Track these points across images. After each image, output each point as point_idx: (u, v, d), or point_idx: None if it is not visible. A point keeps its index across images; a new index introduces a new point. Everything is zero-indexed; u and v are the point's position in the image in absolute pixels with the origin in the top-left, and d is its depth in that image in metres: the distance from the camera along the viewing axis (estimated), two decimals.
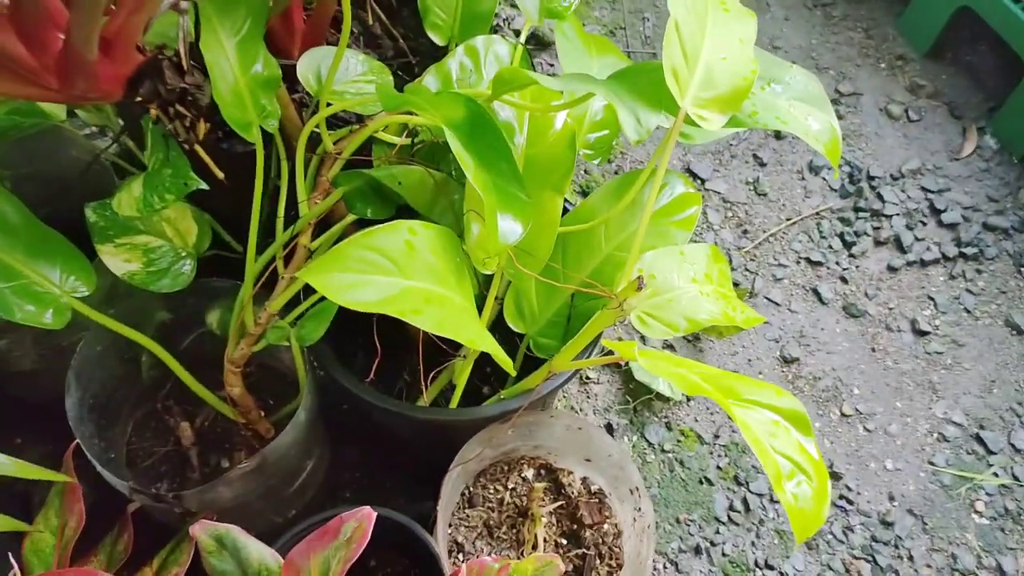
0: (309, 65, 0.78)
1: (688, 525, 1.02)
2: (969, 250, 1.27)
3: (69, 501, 0.64)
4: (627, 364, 1.13)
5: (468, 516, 0.85)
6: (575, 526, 0.85)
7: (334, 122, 0.90)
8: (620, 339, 1.17)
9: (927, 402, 1.15)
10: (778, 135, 1.42)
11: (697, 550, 1.01)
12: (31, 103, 0.76)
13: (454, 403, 0.78)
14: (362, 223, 0.72)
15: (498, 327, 0.84)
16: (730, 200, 1.34)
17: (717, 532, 1.02)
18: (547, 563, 0.62)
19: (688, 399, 1.12)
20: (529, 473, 0.89)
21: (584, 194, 1.30)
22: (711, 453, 1.08)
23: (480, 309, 0.77)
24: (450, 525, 0.84)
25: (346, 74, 0.81)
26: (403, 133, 0.80)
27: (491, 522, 0.85)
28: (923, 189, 1.35)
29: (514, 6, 1.49)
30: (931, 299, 1.24)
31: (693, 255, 0.77)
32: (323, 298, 0.73)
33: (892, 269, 1.27)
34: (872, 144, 1.42)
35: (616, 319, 0.67)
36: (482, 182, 0.59)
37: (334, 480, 1.00)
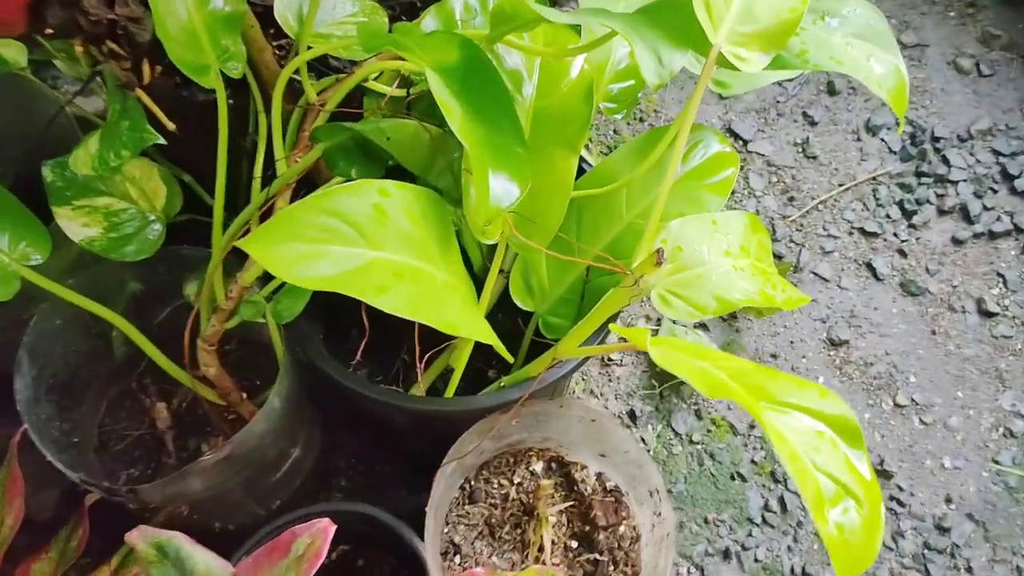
0: (288, 3, 0.70)
1: (717, 526, 0.94)
2: None
3: (10, 494, 0.58)
4: None
5: (468, 513, 0.78)
6: (587, 527, 0.77)
7: (324, 70, 0.82)
8: (648, 317, 1.08)
9: (993, 392, 1.05)
10: (832, 90, 1.30)
11: (726, 554, 0.92)
12: None
13: (450, 391, 0.71)
14: None
15: (505, 303, 0.76)
16: (775, 163, 1.24)
17: (749, 535, 0.94)
18: None
19: None
20: (538, 466, 0.81)
21: None
22: (745, 445, 1.00)
23: (482, 283, 0.69)
24: (447, 523, 0.77)
25: (332, 14, 0.73)
26: (396, 83, 0.72)
27: (493, 520, 0.77)
28: (994, 152, 1.23)
29: None
30: (1000, 276, 1.13)
31: (727, 224, 0.68)
32: None
33: (957, 242, 1.16)
34: (938, 101, 1.29)
35: (632, 298, 0.58)
36: (471, 135, 0.50)
37: (327, 466, 0.93)
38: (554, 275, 0.75)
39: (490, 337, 0.51)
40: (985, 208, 1.18)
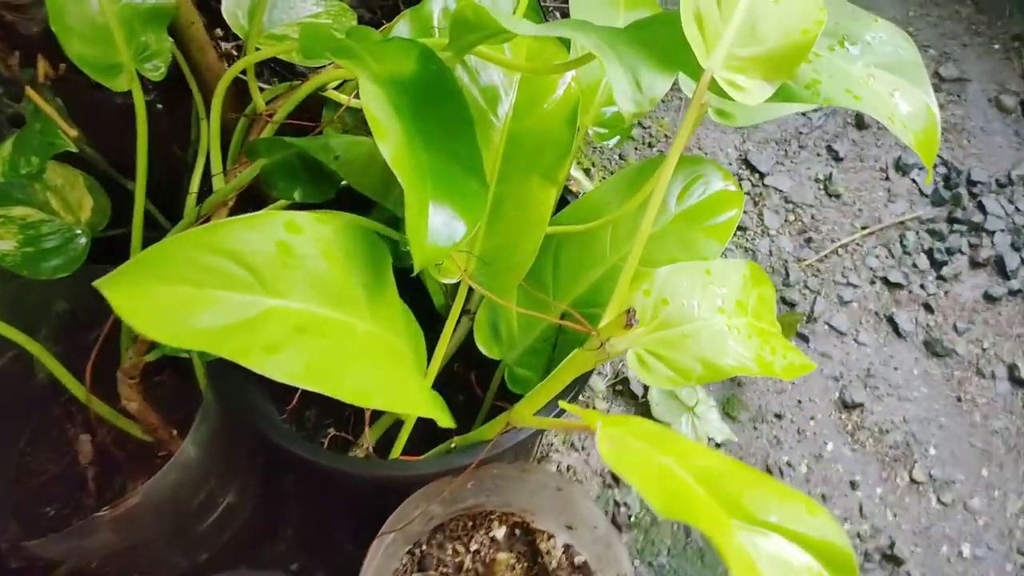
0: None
1: None
2: None
3: None
4: (645, 395, 0.96)
5: None
6: None
7: (289, 77, 0.76)
8: None
9: (1022, 472, 0.95)
10: (860, 123, 1.22)
11: None
12: None
13: (396, 450, 0.63)
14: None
15: (472, 349, 0.68)
16: (794, 200, 1.15)
17: None
18: None
19: (717, 445, 0.95)
20: (500, 532, 0.73)
21: None
22: None
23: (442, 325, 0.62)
24: None
25: (291, 13, 0.66)
26: (355, 93, 0.65)
27: None
28: None
29: None
30: None
31: (724, 274, 0.60)
32: None
33: (991, 299, 1.07)
34: (977, 142, 1.20)
35: (598, 362, 0.50)
36: (407, 161, 0.43)
37: (272, 513, 0.86)
38: (525, 320, 0.67)
39: (420, 406, 0.43)
40: (1023, 262, 1.09)
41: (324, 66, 0.68)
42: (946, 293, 1.08)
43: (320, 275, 0.41)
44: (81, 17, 0.48)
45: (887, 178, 1.18)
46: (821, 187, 1.17)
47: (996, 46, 1.31)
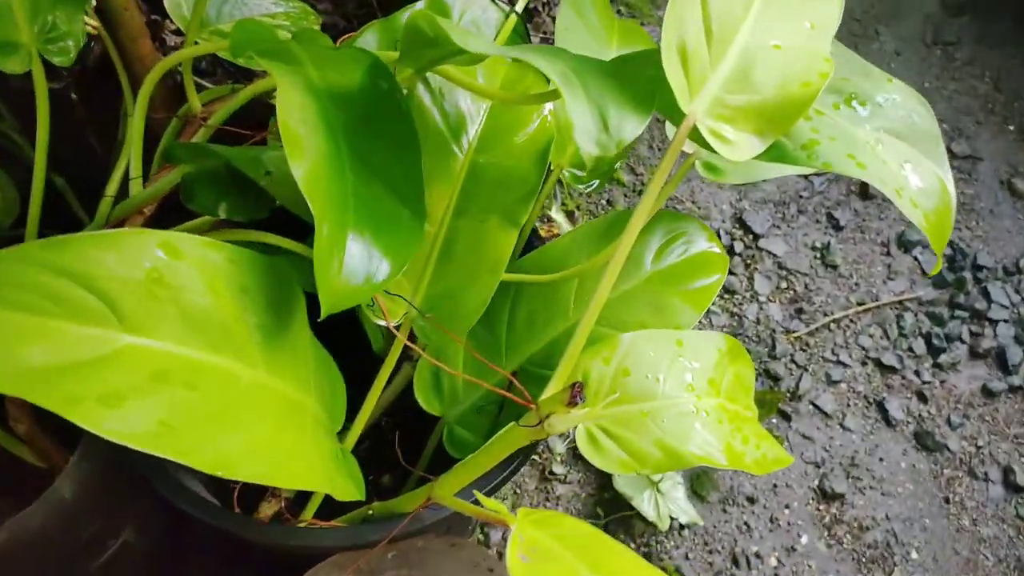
0: None
1: None
2: None
3: None
4: None
5: None
6: None
7: (246, 81, 0.70)
8: None
9: None
10: (864, 193, 1.17)
11: None
12: None
13: (309, 511, 0.56)
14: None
15: (411, 401, 0.61)
16: (788, 267, 1.10)
17: None
18: None
19: (681, 527, 0.88)
20: None
21: None
22: None
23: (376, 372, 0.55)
24: None
25: (244, 10, 0.61)
26: None
27: None
28: None
29: None
30: None
31: (697, 347, 0.54)
32: None
33: (989, 393, 1.01)
34: (985, 224, 1.16)
35: (534, 439, 0.44)
36: (323, 182, 0.37)
37: (182, 544, 0.78)
38: (471, 374, 0.60)
39: (309, 479, 0.37)
40: None
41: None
42: (942, 383, 1.02)
43: (199, 311, 0.34)
44: None
45: (888, 253, 1.13)
46: (817, 256, 1.12)
47: (1011, 127, 1.27)
